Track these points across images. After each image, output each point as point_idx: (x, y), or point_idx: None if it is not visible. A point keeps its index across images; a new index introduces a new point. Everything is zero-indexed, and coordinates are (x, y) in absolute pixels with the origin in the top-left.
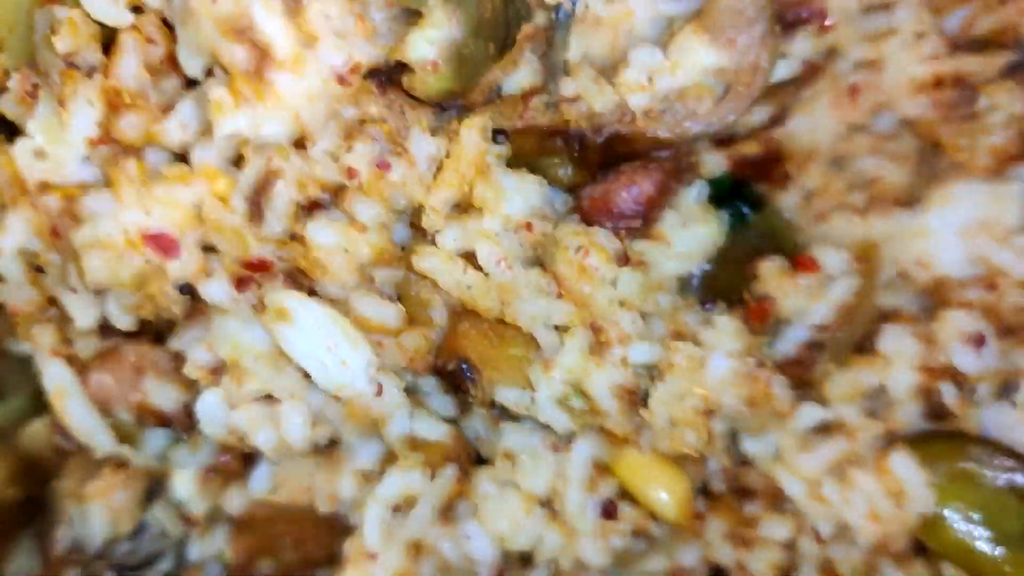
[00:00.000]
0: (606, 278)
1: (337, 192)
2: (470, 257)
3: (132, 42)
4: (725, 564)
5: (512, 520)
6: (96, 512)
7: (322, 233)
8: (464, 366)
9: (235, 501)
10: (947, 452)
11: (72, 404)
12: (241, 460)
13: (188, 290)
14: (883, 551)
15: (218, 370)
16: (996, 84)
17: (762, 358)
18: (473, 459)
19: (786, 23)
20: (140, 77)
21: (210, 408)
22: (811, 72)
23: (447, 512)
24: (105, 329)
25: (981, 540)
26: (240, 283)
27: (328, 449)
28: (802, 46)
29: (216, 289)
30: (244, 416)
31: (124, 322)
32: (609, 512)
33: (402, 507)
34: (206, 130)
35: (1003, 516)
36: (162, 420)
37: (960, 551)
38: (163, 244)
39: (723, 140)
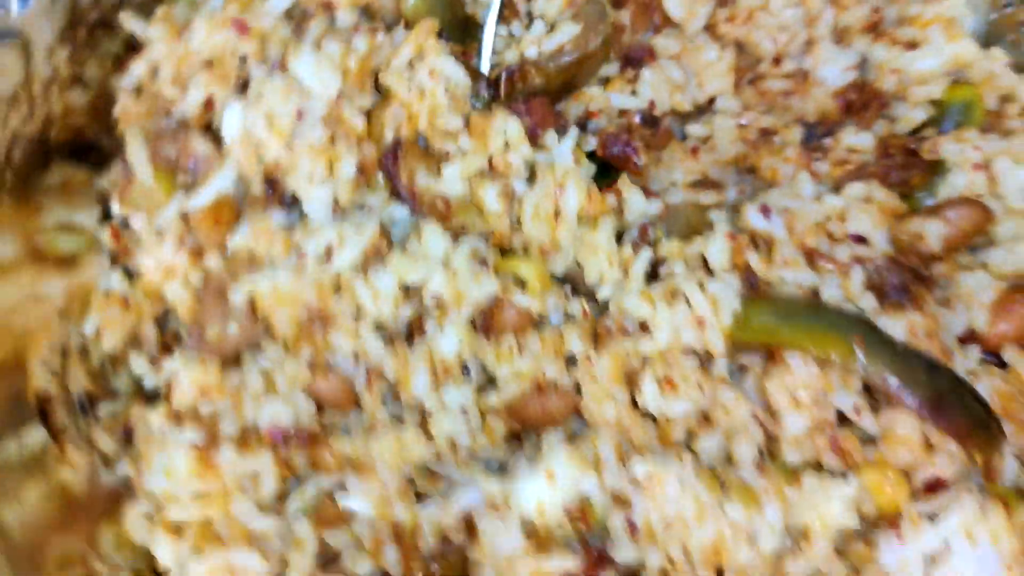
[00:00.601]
0: (498, 127)
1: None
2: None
3: None
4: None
5: (411, 265)
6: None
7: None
8: (394, 155)
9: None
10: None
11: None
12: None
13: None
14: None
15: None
16: (784, 131)
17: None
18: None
19: (631, 60)
20: None
21: (233, 113)
22: (657, 124)
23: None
24: None
25: (778, 323)
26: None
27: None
28: (646, 88)
29: (259, 69)
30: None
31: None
32: (483, 263)
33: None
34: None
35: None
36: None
37: (764, 333)
38: (241, 26)
39: (595, 132)
